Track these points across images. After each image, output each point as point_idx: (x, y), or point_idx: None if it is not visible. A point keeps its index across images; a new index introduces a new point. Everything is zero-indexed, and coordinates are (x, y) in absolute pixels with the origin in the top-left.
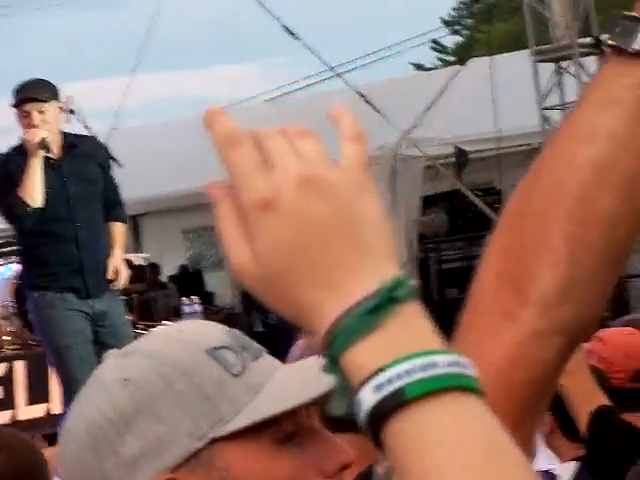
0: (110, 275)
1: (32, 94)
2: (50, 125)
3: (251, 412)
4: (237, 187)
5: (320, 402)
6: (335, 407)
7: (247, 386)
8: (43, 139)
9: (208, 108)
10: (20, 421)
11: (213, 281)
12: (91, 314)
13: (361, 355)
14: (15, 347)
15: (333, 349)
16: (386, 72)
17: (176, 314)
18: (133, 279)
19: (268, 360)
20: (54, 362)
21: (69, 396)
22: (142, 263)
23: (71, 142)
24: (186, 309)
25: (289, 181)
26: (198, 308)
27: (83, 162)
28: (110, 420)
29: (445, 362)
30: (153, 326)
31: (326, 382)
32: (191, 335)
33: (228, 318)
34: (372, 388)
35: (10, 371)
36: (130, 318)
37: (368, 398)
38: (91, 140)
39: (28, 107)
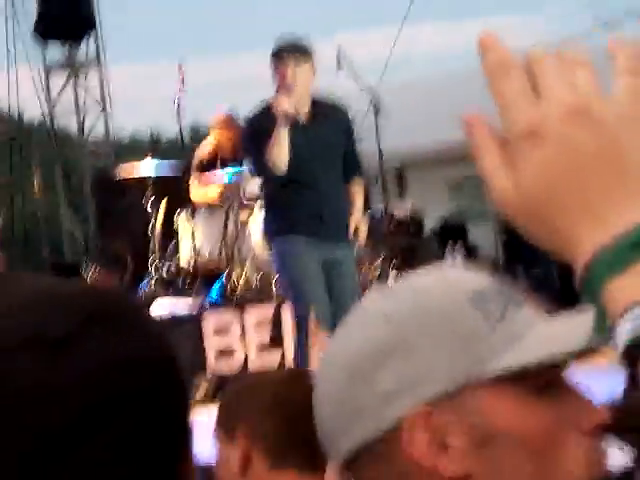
0: (351, 231)
1: (290, 49)
2: (302, 82)
3: (510, 359)
4: (503, 115)
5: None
6: (593, 339)
7: (506, 333)
8: (287, 111)
9: (483, 32)
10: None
11: (476, 233)
12: (327, 260)
13: (623, 287)
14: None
15: (593, 280)
16: None
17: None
18: (397, 229)
19: (530, 310)
20: (291, 299)
21: (301, 334)
22: (406, 214)
23: (318, 107)
24: (449, 260)
25: (558, 110)
26: (461, 260)
27: (328, 127)
28: (368, 352)
29: None
30: None
31: (588, 335)
32: (454, 278)
33: (491, 270)
34: (631, 320)
35: (278, 313)
36: (394, 262)
37: (626, 330)
38: (336, 106)
39: (285, 60)
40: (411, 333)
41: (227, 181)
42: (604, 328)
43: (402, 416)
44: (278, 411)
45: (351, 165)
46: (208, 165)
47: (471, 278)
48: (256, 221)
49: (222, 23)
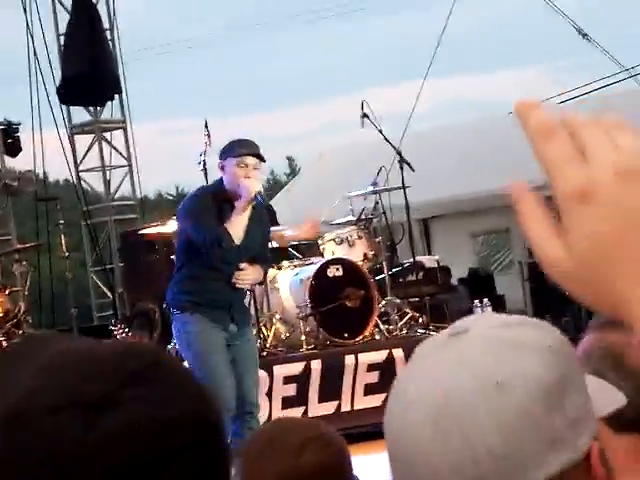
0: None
1: (256, 151)
2: (257, 183)
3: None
4: (552, 179)
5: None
6: None
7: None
8: (259, 192)
9: (520, 101)
10: (310, 418)
11: (503, 284)
12: (228, 337)
13: None
14: (311, 347)
15: None
16: None
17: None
18: (425, 281)
19: None
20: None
21: None
22: (434, 265)
23: (255, 203)
24: (478, 311)
25: (607, 172)
26: (490, 311)
27: (255, 223)
28: (555, 381)
29: None
30: (445, 328)
31: None
32: None
33: None
34: None
35: (307, 370)
36: (422, 319)
37: None
38: (264, 206)
39: (249, 161)
40: (571, 368)
41: None
42: None
43: (589, 445)
44: None
45: (261, 259)
46: None
47: None
48: (284, 276)
49: (244, 83)
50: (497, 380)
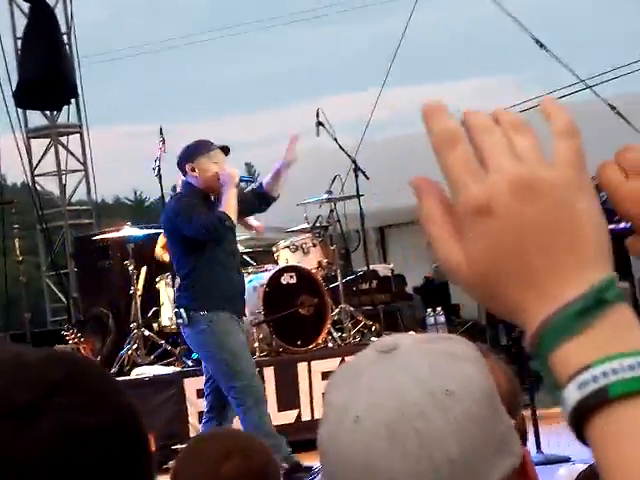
0: None
1: (221, 148)
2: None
3: None
4: (452, 190)
5: None
6: (546, 401)
7: None
8: (237, 176)
9: (427, 102)
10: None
11: (458, 293)
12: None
13: (568, 354)
14: (265, 354)
15: (542, 348)
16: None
17: (421, 325)
18: (379, 289)
19: None
20: (232, 370)
21: (248, 398)
22: (388, 274)
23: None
24: (431, 320)
25: (503, 185)
26: (443, 320)
27: None
28: (492, 385)
29: None
30: None
31: None
32: None
33: (473, 330)
34: (577, 385)
35: (260, 377)
36: (376, 327)
37: (572, 395)
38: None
39: (222, 157)
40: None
41: None
42: (553, 391)
43: (522, 449)
44: None
45: None
46: None
47: None
48: None
49: (200, 89)
50: (445, 388)
